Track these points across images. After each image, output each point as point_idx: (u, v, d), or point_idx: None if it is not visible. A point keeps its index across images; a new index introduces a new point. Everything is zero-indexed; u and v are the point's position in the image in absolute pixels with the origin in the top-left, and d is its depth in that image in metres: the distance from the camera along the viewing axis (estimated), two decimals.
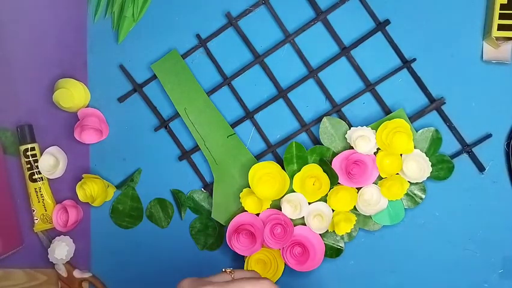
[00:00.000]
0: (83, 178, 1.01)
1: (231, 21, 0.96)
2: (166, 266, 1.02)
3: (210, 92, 0.97)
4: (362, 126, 0.91)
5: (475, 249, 0.93)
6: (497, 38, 0.88)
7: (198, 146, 0.98)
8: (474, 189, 0.93)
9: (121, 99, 1.00)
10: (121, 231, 1.03)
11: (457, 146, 0.93)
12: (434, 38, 0.92)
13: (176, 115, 0.98)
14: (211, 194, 0.98)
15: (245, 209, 0.94)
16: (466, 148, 0.92)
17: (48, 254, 1.02)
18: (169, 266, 1.02)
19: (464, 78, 0.92)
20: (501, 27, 0.87)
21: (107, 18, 1.00)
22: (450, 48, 0.92)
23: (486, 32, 0.91)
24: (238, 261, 0.96)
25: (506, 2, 0.87)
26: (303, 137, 0.96)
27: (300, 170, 0.92)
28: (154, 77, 0.99)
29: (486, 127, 0.92)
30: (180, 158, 0.99)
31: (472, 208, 0.93)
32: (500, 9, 0.87)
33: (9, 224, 1.02)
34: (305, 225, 0.93)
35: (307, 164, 0.93)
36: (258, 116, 0.97)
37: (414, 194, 0.93)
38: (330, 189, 0.92)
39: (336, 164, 0.92)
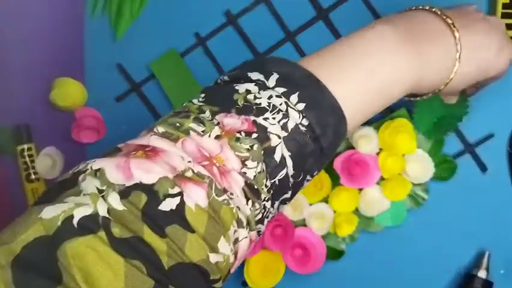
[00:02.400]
0: None
1: (231, 20, 0.95)
2: None
3: None
4: (363, 125, 0.90)
5: (479, 250, 0.92)
6: None
7: None
8: (477, 190, 0.92)
9: (119, 99, 0.99)
10: None
11: (460, 146, 0.92)
12: None
13: None
14: None
15: None
16: (469, 148, 0.91)
17: None
18: None
19: None
20: None
21: (104, 16, 0.99)
22: None
23: None
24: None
25: (508, 2, 0.86)
26: None
27: None
28: (153, 75, 0.98)
29: (489, 127, 0.91)
30: None
31: (475, 208, 0.92)
32: (502, 9, 0.87)
33: (5, 225, 1.01)
34: (306, 226, 0.92)
35: None
36: None
37: (417, 195, 0.91)
38: (331, 190, 0.91)
39: (337, 164, 0.91)
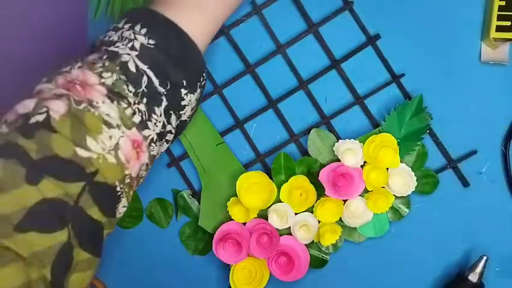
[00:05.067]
0: None
1: (223, 30, 0.96)
2: (166, 266, 1.04)
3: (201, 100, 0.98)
4: (350, 139, 0.92)
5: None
6: (495, 39, 0.89)
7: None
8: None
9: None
10: (121, 231, 1.05)
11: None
12: (433, 39, 0.93)
13: None
14: (199, 202, 1.00)
15: (232, 218, 0.95)
16: (451, 163, 0.93)
17: None
18: (170, 266, 1.03)
19: (462, 79, 0.92)
20: (499, 29, 0.88)
21: (107, 17, 1.00)
22: (447, 49, 0.93)
23: (484, 33, 0.91)
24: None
25: (504, 4, 0.87)
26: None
27: (287, 181, 0.93)
28: None
29: (484, 128, 0.93)
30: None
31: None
32: (498, 11, 0.88)
33: None
34: (291, 235, 0.95)
35: (295, 174, 0.94)
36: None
37: (399, 208, 0.93)
38: (316, 200, 0.93)
39: (323, 176, 0.93)
